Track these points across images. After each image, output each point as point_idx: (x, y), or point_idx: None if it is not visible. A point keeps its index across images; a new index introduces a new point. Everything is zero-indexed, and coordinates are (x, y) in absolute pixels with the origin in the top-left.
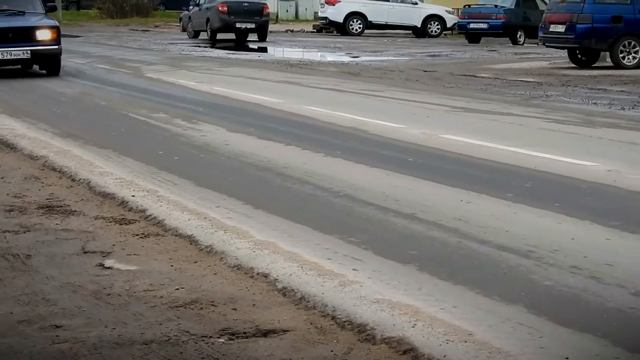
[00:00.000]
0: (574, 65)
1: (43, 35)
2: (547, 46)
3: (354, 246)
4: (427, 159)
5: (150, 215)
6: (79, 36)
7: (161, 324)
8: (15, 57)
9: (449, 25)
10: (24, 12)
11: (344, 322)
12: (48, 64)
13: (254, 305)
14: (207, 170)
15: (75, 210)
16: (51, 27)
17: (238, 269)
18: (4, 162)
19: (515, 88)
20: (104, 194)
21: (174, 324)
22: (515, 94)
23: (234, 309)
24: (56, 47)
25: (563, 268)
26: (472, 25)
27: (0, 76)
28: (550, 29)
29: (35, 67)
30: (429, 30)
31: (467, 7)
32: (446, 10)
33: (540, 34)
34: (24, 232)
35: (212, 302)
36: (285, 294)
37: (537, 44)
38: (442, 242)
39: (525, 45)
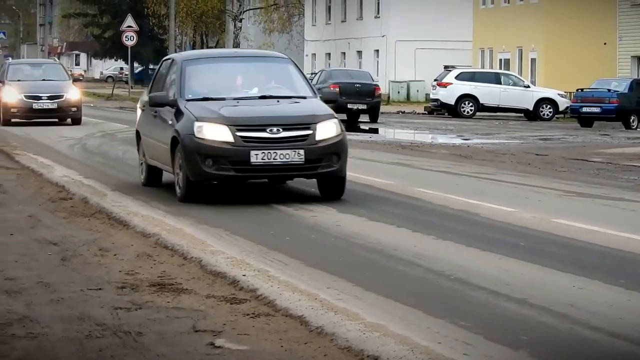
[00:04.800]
0: None
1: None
2: None
3: (464, 330)
4: (539, 243)
5: (261, 295)
6: None
7: None
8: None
9: (561, 108)
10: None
11: None
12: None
13: None
14: (318, 251)
15: (186, 289)
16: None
17: (348, 350)
18: (117, 239)
19: (628, 173)
20: (215, 272)
21: None
22: (628, 179)
23: None
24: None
25: None
26: (584, 109)
27: (114, 153)
28: None
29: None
30: (541, 114)
31: (579, 90)
32: (559, 94)
33: None
34: (136, 310)
35: None
36: None
37: None
38: (553, 328)
39: (638, 129)
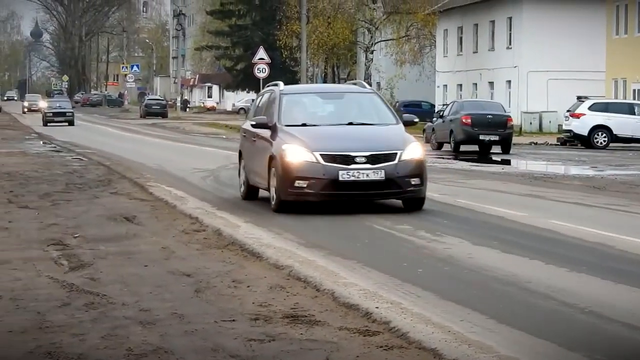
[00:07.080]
0: None
1: None
2: None
3: None
4: None
5: (394, 327)
6: None
7: None
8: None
9: None
10: None
11: None
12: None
13: None
14: (451, 283)
15: (319, 321)
16: None
17: None
18: (250, 271)
19: None
20: (348, 304)
21: None
22: None
23: None
24: None
25: None
26: None
27: None
28: None
29: None
30: None
31: None
32: None
33: None
34: (269, 342)
35: None
36: None
37: None
38: None
39: None
